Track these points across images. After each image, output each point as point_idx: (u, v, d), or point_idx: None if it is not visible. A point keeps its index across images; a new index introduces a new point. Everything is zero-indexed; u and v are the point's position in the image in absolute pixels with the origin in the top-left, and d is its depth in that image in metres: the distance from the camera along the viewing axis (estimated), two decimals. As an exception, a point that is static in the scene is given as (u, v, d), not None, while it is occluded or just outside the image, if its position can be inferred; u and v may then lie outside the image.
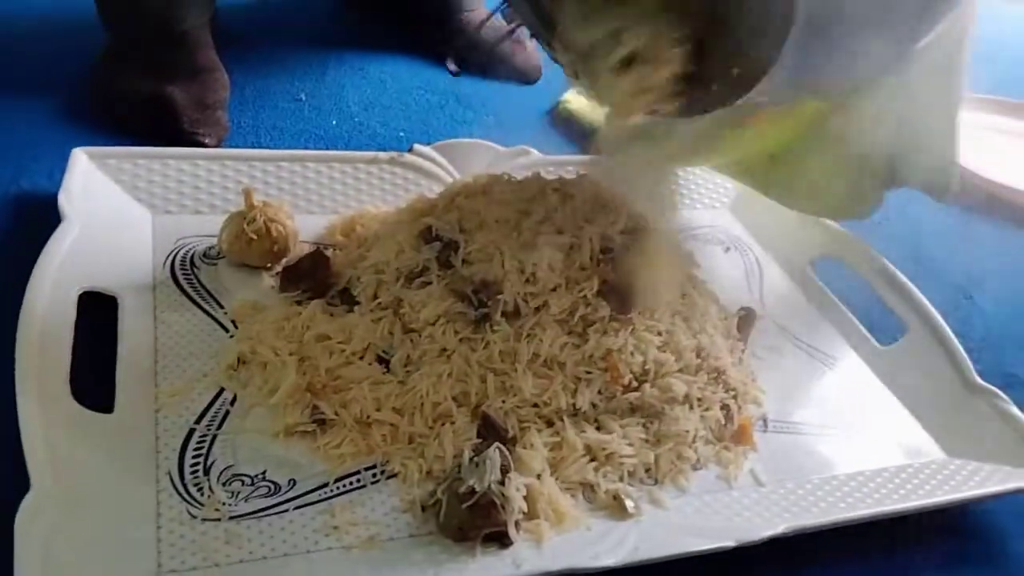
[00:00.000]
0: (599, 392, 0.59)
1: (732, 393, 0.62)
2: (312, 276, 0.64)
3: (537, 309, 0.59)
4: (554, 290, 0.59)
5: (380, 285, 0.63)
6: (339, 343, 0.60)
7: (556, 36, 0.58)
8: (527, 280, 0.59)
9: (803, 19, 0.49)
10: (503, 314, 0.59)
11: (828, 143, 0.71)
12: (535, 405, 0.57)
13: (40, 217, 0.65)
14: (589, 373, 0.58)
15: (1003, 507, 0.65)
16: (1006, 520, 0.65)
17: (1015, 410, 0.67)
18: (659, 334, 0.61)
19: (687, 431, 0.59)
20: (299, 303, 0.63)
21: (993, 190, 1.04)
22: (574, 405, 0.58)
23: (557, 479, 0.55)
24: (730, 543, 0.51)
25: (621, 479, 0.56)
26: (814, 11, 0.49)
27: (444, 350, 0.58)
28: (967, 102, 1.11)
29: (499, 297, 0.59)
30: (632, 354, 0.59)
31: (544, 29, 0.59)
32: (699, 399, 0.60)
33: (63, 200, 0.63)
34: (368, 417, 0.56)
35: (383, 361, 0.59)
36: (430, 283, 0.61)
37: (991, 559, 0.62)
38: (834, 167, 0.72)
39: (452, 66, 0.68)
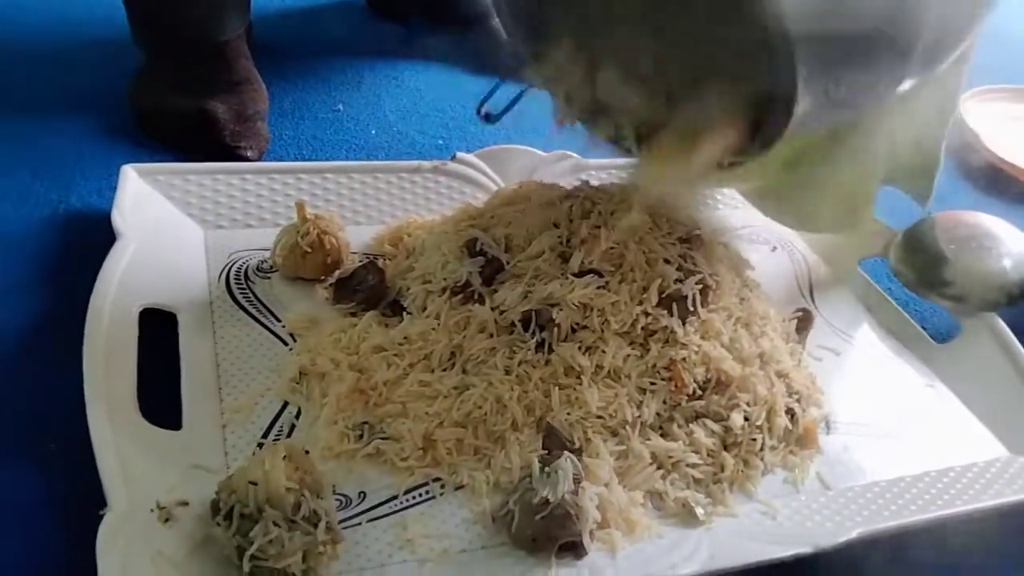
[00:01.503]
0: (664, 402, 0.58)
1: (796, 396, 0.62)
2: (366, 287, 0.64)
3: (599, 323, 0.58)
4: (613, 304, 0.59)
5: (428, 296, 0.62)
6: (394, 355, 0.59)
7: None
8: (578, 305, 0.59)
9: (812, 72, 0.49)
10: (562, 334, 0.58)
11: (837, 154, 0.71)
12: (599, 417, 0.57)
13: (92, 234, 0.66)
14: (653, 384, 0.58)
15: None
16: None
17: (1078, 408, 0.66)
18: (721, 341, 0.60)
19: (754, 439, 0.58)
20: (353, 314, 0.63)
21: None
22: (639, 416, 0.57)
23: (625, 488, 0.54)
24: (808, 549, 0.51)
25: (688, 487, 0.56)
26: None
27: (507, 370, 0.58)
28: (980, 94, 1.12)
29: (554, 323, 0.58)
30: (695, 363, 0.59)
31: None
32: (764, 403, 0.60)
33: (117, 217, 0.63)
34: (432, 433, 0.55)
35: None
36: (474, 297, 0.61)
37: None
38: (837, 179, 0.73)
39: (484, 111, 0.68)
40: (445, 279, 0.62)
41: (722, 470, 0.57)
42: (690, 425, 0.58)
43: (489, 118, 0.70)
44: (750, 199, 0.81)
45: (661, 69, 0.61)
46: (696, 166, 0.57)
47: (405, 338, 0.60)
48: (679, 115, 0.60)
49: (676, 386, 0.58)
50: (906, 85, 0.57)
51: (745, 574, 0.50)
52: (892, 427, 0.65)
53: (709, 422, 0.58)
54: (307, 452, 0.49)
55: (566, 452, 0.52)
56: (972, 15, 0.56)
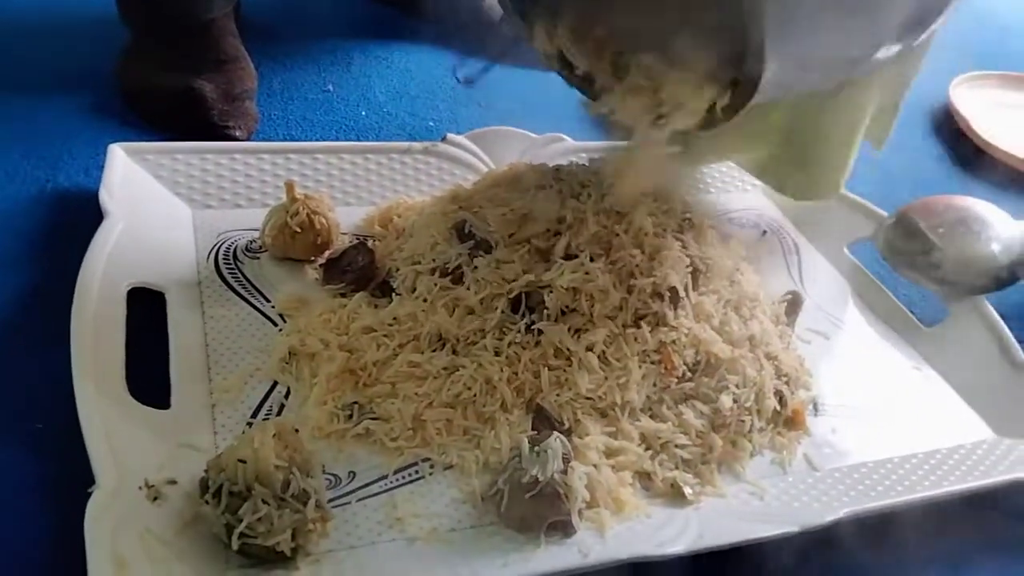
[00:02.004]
0: (653, 384, 0.58)
1: (784, 379, 0.62)
2: (356, 268, 0.64)
3: (588, 306, 0.58)
4: (603, 290, 0.59)
5: (418, 277, 0.62)
6: (384, 336, 0.59)
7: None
8: (567, 289, 0.59)
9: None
10: (551, 316, 0.58)
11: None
12: (588, 398, 0.57)
13: (80, 213, 0.65)
14: (642, 366, 0.58)
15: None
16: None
17: (1063, 390, 0.67)
18: (711, 324, 0.60)
19: (743, 420, 0.58)
20: (343, 295, 0.63)
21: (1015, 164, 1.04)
22: (628, 398, 0.57)
23: (614, 468, 0.55)
24: (795, 528, 0.51)
25: (677, 467, 0.56)
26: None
27: (496, 352, 0.58)
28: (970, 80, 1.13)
29: (543, 306, 0.58)
30: (685, 346, 0.59)
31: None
32: (753, 385, 0.60)
33: (104, 196, 0.63)
34: (421, 413, 0.55)
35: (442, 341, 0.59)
36: (463, 280, 0.61)
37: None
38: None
39: (461, 74, 0.68)
40: (434, 260, 0.62)
41: (711, 451, 0.57)
42: (679, 407, 0.58)
43: (469, 82, 0.69)
44: (753, 173, 0.81)
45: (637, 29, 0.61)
46: (670, 120, 0.58)
47: (395, 319, 0.60)
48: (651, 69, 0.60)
49: (666, 368, 0.58)
50: (882, 54, 0.57)
51: (733, 554, 0.51)
52: (879, 409, 0.66)
53: (698, 403, 0.58)
54: (296, 431, 0.49)
55: (555, 432, 0.52)
56: None
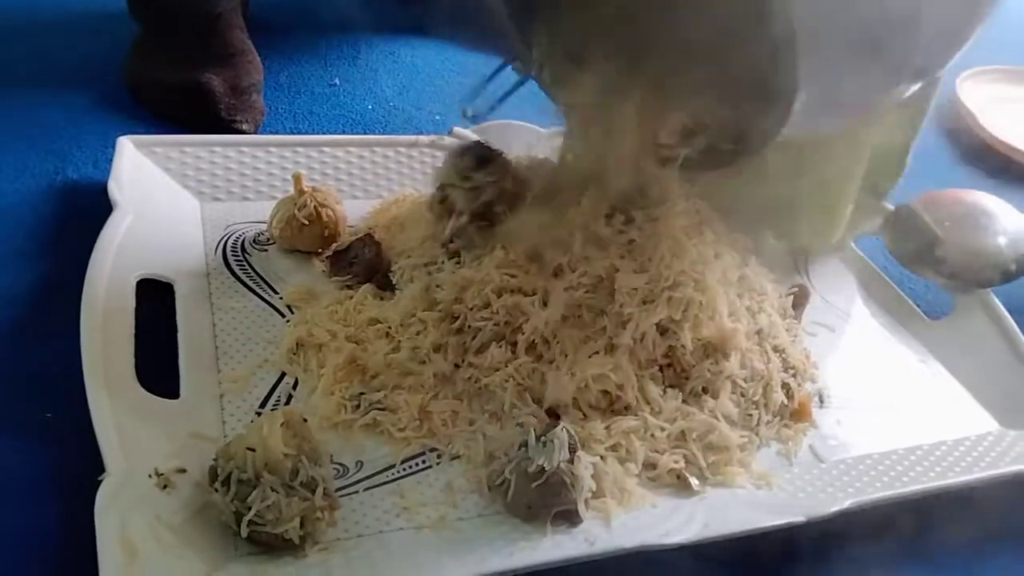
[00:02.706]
0: (660, 375, 0.58)
1: (791, 371, 0.62)
2: (362, 260, 0.64)
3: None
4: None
5: (414, 270, 0.63)
6: (389, 328, 0.59)
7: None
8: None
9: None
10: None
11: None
12: (597, 392, 0.57)
13: (88, 205, 0.66)
14: (651, 361, 0.58)
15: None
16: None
17: (1068, 381, 0.67)
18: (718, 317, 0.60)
19: (750, 414, 0.59)
20: (349, 287, 0.63)
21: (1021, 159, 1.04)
22: (637, 393, 0.57)
23: (620, 460, 0.55)
24: (801, 519, 0.51)
25: (683, 459, 0.56)
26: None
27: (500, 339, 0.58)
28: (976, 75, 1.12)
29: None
30: (693, 339, 0.59)
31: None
32: (760, 379, 0.60)
33: (113, 188, 0.63)
34: (427, 405, 0.56)
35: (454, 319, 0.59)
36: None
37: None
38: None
39: (469, 111, 0.69)
40: (423, 254, 0.63)
41: (717, 443, 0.57)
42: (686, 401, 0.58)
43: (475, 119, 0.70)
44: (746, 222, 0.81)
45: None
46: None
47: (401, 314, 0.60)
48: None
49: (673, 363, 0.58)
50: (900, 91, 0.57)
51: (739, 545, 0.51)
52: (885, 402, 0.66)
53: (706, 397, 0.59)
54: (305, 420, 0.49)
55: (562, 423, 0.53)
56: (971, 23, 0.56)
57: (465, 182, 0.62)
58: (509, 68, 0.67)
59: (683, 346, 0.58)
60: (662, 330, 0.59)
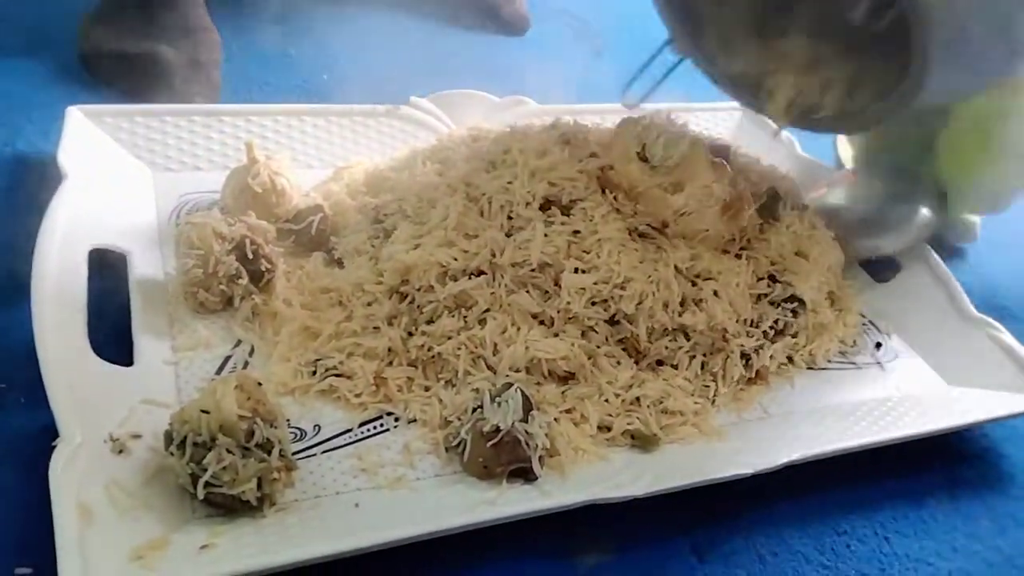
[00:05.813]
0: (620, 347, 0.60)
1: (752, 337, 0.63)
2: (313, 229, 0.64)
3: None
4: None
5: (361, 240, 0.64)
6: (341, 298, 0.60)
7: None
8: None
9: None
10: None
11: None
12: (553, 360, 0.58)
13: (39, 177, 0.64)
14: (608, 332, 0.59)
15: (1000, 432, 0.68)
16: (1002, 444, 0.67)
17: (1010, 339, 0.69)
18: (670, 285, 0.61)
19: (707, 386, 0.60)
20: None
21: None
22: (592, 360, 0.58)
23: (574, 422, 0.56)
24: (748, 471, 0.53)
25: (637, 420, 0.57)
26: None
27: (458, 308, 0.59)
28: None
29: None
30: (651, 309, 0.60)
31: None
32: (720, 352, 0.62)
33: (63, 158, 0.62)
34: (383, 371, 0.56)
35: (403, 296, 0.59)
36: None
37: (989, 481, 0.65)
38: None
39: (626, 100, 0.74)
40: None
41: (671, 409, 0.58)
42: (641, 371, 0.60)
43: (633, 105, 0.74)
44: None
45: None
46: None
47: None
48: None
49: (628, 335, 0.60)
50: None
51: (690, 497, 0.52)
52: (833, 361, 0.68)
53: (662, 369, 0.60)
54: (260, 384, 0.49)
55: (515, 384, 0.53)
56: None
57: None
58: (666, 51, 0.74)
59: (636, 335, 0.59)
60: (613, 322, 0.60)
